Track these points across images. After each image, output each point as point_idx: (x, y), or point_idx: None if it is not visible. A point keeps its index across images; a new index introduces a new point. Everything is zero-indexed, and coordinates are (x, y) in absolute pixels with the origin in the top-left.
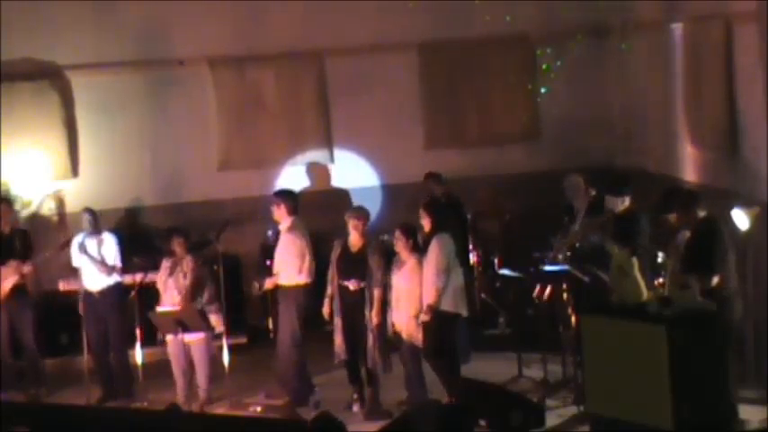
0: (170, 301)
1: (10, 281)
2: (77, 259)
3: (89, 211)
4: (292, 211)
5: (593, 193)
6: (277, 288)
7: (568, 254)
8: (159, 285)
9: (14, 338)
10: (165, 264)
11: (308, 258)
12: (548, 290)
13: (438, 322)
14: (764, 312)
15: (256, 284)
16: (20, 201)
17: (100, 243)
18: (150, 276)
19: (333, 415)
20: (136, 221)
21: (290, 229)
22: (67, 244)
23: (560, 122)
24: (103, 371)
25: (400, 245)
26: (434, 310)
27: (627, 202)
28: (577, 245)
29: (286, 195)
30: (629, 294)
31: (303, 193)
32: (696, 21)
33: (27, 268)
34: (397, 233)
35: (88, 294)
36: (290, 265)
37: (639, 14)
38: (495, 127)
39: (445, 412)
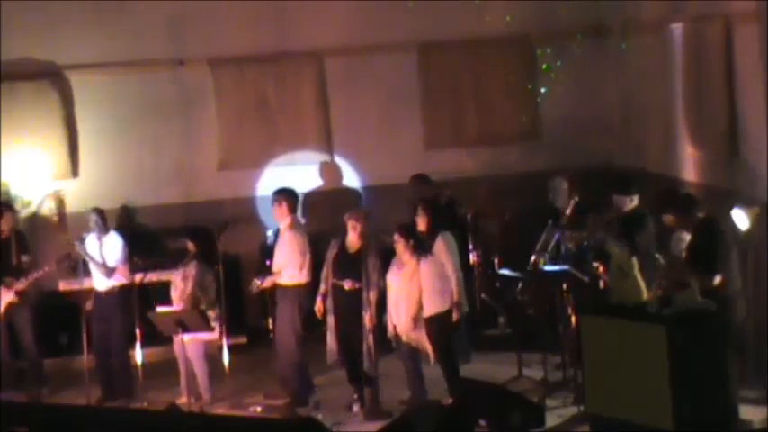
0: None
1: (4, 301)
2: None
3: (97, 211)
4: (293, 209)
5: (577, 198)
6: (276, 287)
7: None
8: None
9: (14, 338)
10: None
11: (308, 256)
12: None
13: (439, 322)
14: (764, 312)
15: (257, 282)
16: (20, 201)
17: (103, 244)
18: (150, 276)
19: (318, 420)
20: (135, 221)
21: (291, 226)
22: (67, 257)
23: (560, 122)
24: (104, 371)
25: (400, 246)
26: (458, 307)
27: (635, 201)
28: (585, 243)
29: (287, 193)
30: (629, 294)
31: (303, 193)
32: (696, 21)
33: (20, 286)
34: (396, 235)
35: (97, 294)
36: (292, 263)
37: (639, 14)
38: (495, 127)
39: (445, 412)
